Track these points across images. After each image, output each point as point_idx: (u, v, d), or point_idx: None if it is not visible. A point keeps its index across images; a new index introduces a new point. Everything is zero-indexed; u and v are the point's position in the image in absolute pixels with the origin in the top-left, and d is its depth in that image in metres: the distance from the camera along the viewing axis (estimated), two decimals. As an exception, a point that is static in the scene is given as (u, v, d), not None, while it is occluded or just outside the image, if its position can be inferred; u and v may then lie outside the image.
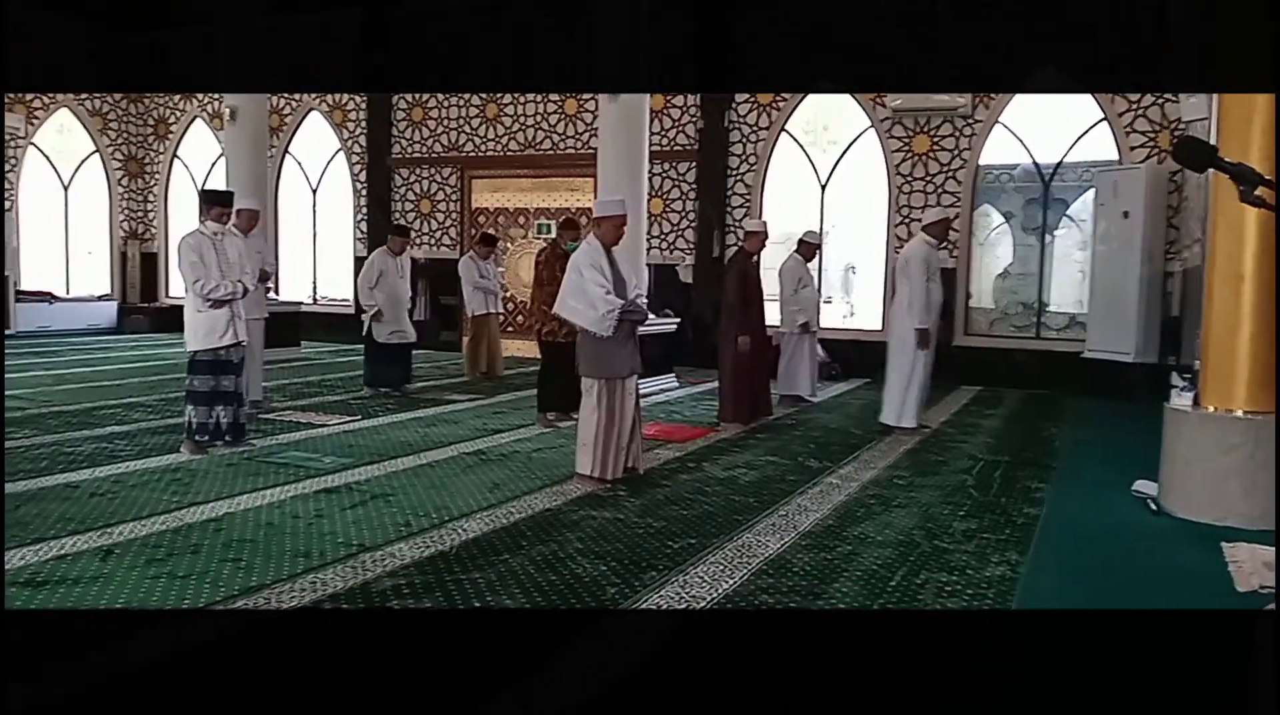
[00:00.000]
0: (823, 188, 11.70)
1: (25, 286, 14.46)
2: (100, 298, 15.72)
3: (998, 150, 10.80)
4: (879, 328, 11.14)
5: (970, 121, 10.71)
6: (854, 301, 11.99)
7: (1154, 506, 5.08)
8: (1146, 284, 9.28)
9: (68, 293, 15.44)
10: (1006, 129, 10.71)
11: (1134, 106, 10.01)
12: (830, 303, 11.53)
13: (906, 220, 10.81)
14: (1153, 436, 5.26)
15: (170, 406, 7.68)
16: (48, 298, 14.87)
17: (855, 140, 11.44)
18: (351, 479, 5.46)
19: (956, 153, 10.80)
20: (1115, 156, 10.12)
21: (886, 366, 7.33)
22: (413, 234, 13.65)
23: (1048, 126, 10.57)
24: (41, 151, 15.04)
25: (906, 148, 11.00)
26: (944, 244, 7.97)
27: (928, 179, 10.93)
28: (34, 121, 14.71)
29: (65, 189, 15.53)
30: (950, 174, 10.84)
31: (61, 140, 15.26)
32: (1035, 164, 10.74)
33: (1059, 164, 10.62)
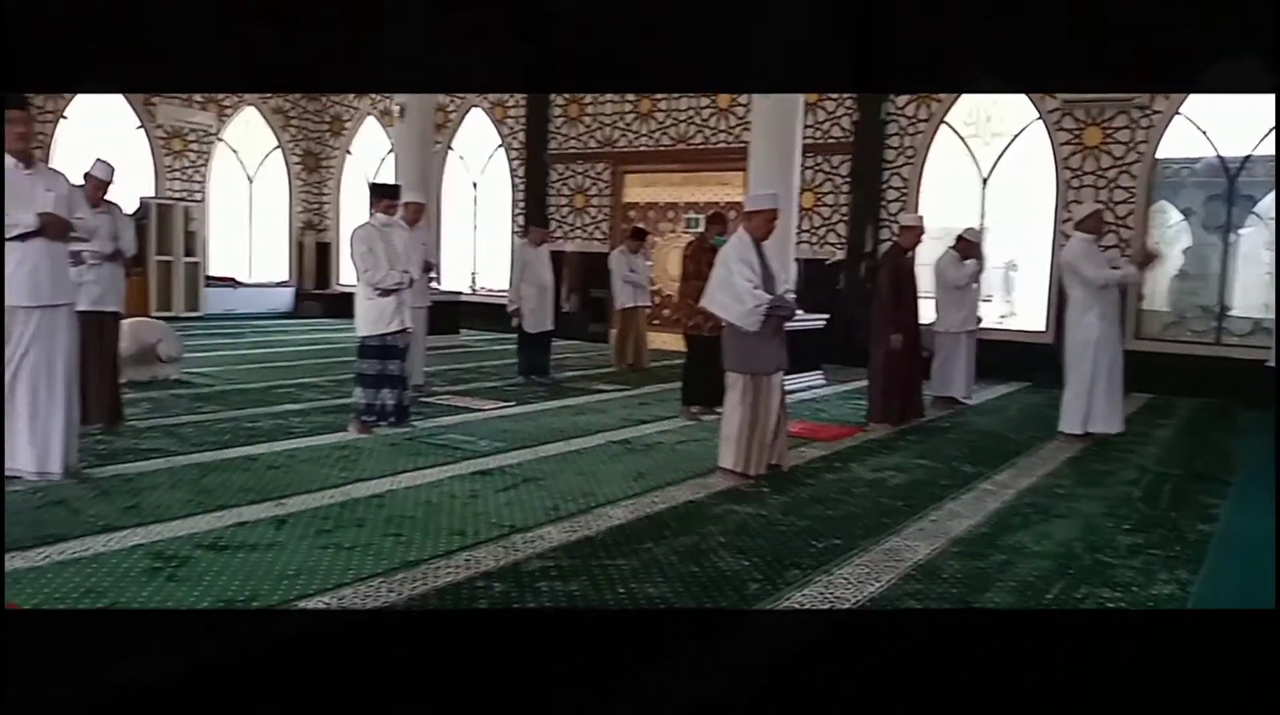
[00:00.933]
0: (984, 181, 11.28)
1: (213, 272, 15.57)
2: (279, 284, 16.78)
3: (1178, 143, 10.11)
4: (1041, 329, 10.67)
5: (1147, 113, 10.08)
6: (1014, 301, 11.51)
7: (1347, 530, 4.67)
8: (1346, 288, 8.53)
9: (250, 278, 16.56)
10: (1188, 120, 10.03)
11: (1338, 95, 9.19)
12: (990, 301, 11.09)
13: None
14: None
15: (340, 387, 8.13)
16: (232, 283, 16.00)
17: (1021, 132, 10.97)
18: (504, 462, 5.66)
19: (1132, 145, 10.20)
20: (1314, 149, 9.32)
21: (1065, 373, 6.99)
22: (566, 228, 14.01)
23: (1235, 117, 9.82)
24: (230, 147, 16.18)
25: (1077, 140, 10.46)
26: (1101, 238, 7.53)
27: (1099, 173, 10.36)
28: (224, 119, 15.85)
29: (250, 182, 16.67)
30: (1124, 168, 10.25)
31: (248, 136, 16.38)
32: (1219, 157, 10.00)
33: (1247, 158, 9.85)
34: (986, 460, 6.20)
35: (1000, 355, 10.27)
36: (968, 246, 8.41)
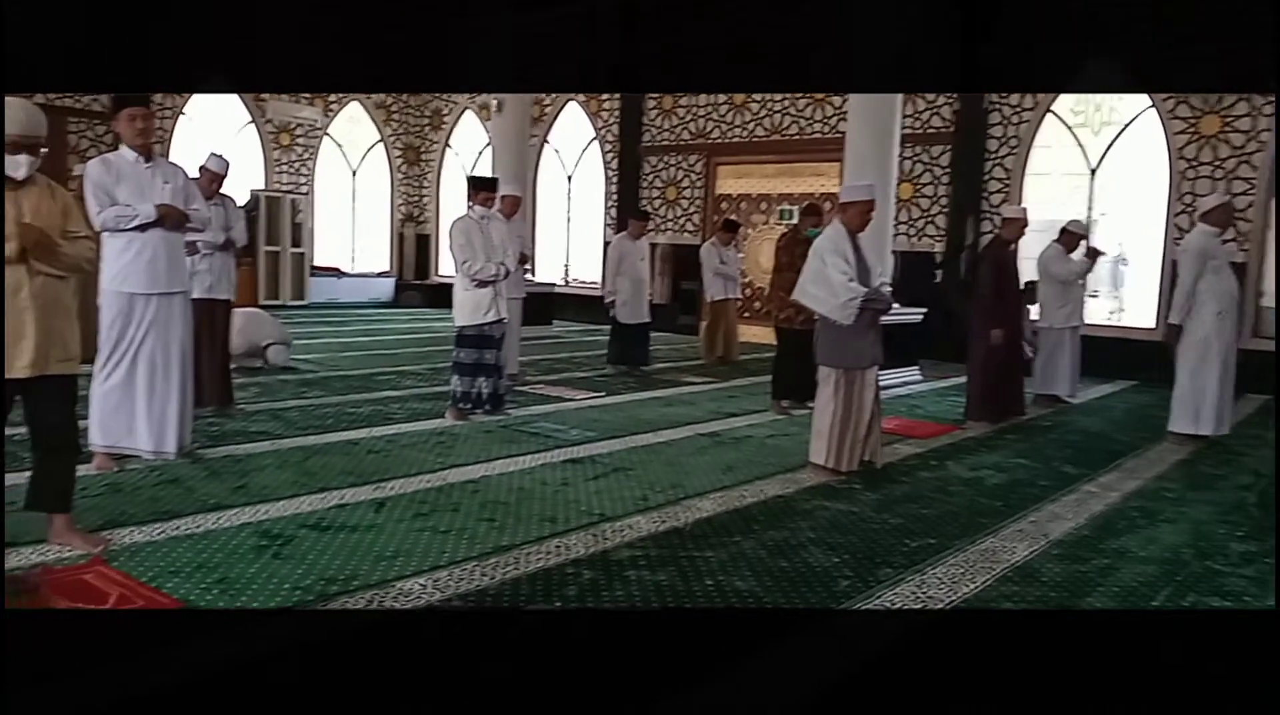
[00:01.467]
0: (1092, 172, 10.87)
1: (318, 262, 16.07)
2: (380, 274, 17.23)
3: (1305, 130, 9.57)
4: (1151, 326, 10.24)
5: (1271, 99, 9.55)
6: (1123, 297, 11.07)
7: None
8: None
9: (353, 269, 17.06)
10: (1317, 106, 9.48)
11: None
12: (1096, 297, 10.69)
13: (1188, 208, 9.83)
14: None
15: (437, 375, 8.32)
16: (336, 273, 16.50)
17: (1132, 121, 10.52)
18: (595, 451, 5.71)
19: (1253, 134, 9.68)
20: None
21: (1176, 371, 6.71)
22: (657, 220, 14.02)
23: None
24: (335, 141, 16.68)
25: (1193, 129, 9.99)
26: (1225, 232, 7.16)
27: (1216, 164, 9.87)
28: (329, 114, 16.34)
29: (353, 175, 17.16)
30: (1244, 158, 9.74)
31: (352, 131, 16.86)
32: (1351, 145, 9.43)
33: (1384, 146, 9.27)
34: (1090, 461, 5.98)
35: (1107, 352, 9.90)
36: (1072, 239, 8.14)
